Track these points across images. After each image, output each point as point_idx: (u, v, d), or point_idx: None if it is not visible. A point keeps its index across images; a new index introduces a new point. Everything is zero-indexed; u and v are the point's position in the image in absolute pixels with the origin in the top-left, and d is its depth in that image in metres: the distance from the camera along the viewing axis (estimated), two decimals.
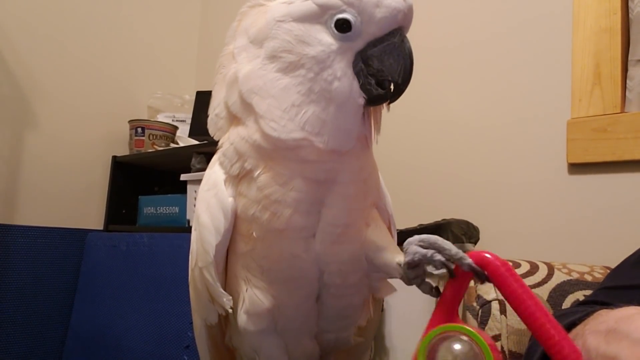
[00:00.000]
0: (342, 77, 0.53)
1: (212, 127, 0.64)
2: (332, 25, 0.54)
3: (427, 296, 1.40)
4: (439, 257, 0.52)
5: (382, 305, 0.76)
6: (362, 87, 0.54)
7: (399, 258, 0.58)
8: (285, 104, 0.54)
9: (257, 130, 0.55)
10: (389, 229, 0.68)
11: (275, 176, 0.55)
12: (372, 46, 0.55)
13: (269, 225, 0.56)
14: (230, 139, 0.60)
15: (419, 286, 0.55)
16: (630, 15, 1.28)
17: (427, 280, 0.55)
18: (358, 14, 0.53)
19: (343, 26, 0.54)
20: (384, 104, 0.58)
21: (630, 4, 1.28)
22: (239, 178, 0.58)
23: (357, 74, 0.54)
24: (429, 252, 0.53)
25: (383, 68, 0.54)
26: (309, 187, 0.55)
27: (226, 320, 0.66)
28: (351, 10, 0.53)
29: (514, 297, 0.47)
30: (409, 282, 0.56)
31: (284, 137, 0.54)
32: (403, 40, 0.55)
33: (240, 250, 0.60)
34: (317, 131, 0.54)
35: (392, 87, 0.55)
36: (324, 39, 0.54)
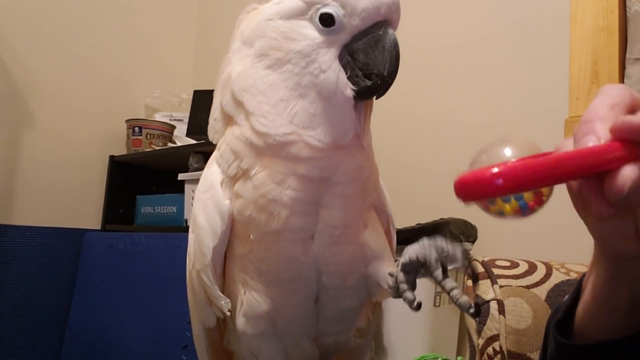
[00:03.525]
0: (327, 69, 0.54)
1: (211, 132, 0.65)
2: (317, 19, 0.55)
3: (425, 296, 1.40)
4: (435, 254, 0.53)
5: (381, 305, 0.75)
6: (350, 79, 0.54)
7: (391, 269, 0.58)
8: (273, 100, 0.55)
9: (249, 128, 0.56)
10: (388, 229, 0.68)
11: (271, 174, 0.55)
12: (358, 39, 0.55)
13: (266, 226, 0.56)
14: (226, 139, 0.60)
15: (403, 294, 0.54)
16: (627, 13, 1.28)
17: (413, 292, 0.55)
18: (341, 7, 0.54)
19: (327, 20, 0.54)
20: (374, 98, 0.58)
21: (627, 2, 1.28)
22: (235, 178, 0.58)
23: (344, 66, 0.55)
24: (428, 251, 0.53)
25: (369, 61, 0.54)
26: (305, 185, 0.55)
27: (225, 323, 0.66)
28: (334, 4, 0.54)
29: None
30: (395, 293, 0.56)
31: (273, 132, 0.54)
32: (387, 33, 0.54)
33: (238, 253, 0.60)
34: (306, 125, 0.54)
35: (379, 80, 0.55)
36: (310, 33, 0.55)
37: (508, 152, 0.35)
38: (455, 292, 0.53)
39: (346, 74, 0.54)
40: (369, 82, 0.54)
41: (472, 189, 0.34)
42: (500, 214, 0.35)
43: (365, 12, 0.53)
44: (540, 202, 0.35)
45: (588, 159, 0.34)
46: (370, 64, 0.54)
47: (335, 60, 0.54)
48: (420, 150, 1.61)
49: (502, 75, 1.48)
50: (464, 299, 0.52)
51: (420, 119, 1.62)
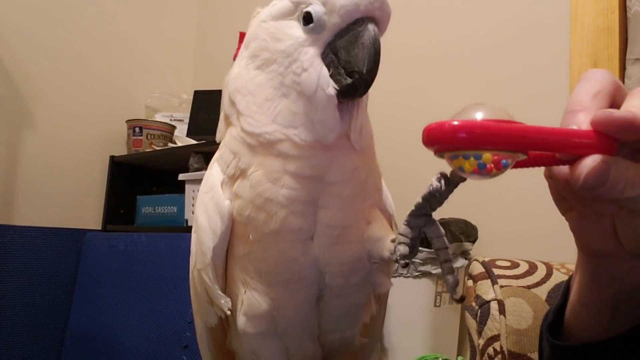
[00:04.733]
0: (308, 67, 0.54)
1: (217, 133, 0.66)
2: (301, 19, 0.55)
3: (426, 296, 1.40)
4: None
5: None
6: (333, 77, 0.54)
7: (393, 236, 0.57)
8: (260, 99, 0.56)
9: (240, 128, 0.57)
10: (391, 229, 0.67)
11: (267, 173, 0.55)
12: (340, 37, 0.54)
13: (264, 227, 0.56)
14: (225, 139, 0.61)
15: (397, 247, 0.53)
16: (627, 14, 1.28)
17: (405, 253, 0.53)
18: (323, 5, 0.54)
19: (308, 19, 0.54)
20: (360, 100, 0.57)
21: (627, 2, 1.29)
22: (234, 178, 0.58)
23: (328, 65, 0.54)
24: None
25: (350, 59, 0.54)
26: (298, 184, 0.55)
27: (227, 323, 0.66)
28: (317, 2, 0.54)
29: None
30: (395, 254, 0.54)
31: (257, 131, 0.55)
32: (367, 29, 0.53)
33: (238, 253, 0.60)
34: (288, 124, 0.54)
35: (359, 77, 0.54)
36: (295, 33, 0.55)
37: (479, 115, 0.36)
38: (446, 266, 0.52)
39: (330, 72, 0.54)
40: (350, 80, 0.54)
41: (433, 137, 0.36)
42: (461, 169, 0.37)
43: (344, 10, 0.53)
44: (499, 167, 0.36)
45: (550, 136, 0.36)
46: (351, 61, 0.53)
47: (317, 59, 0.54)
48: (420, 150, 1.61)
49: (502, 76, 1.48)
50: (454, 277, 0.52)
51: (420, 119, 1.62)
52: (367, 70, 0.53)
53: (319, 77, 0.53)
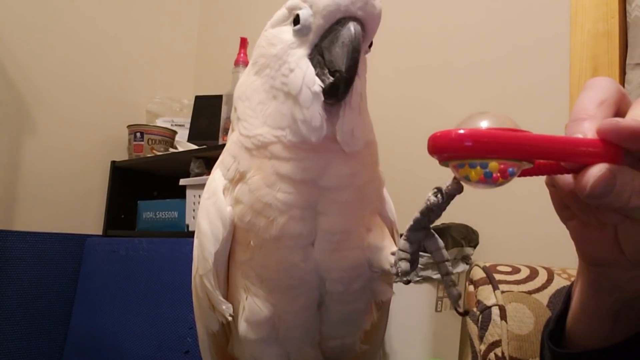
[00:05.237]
0: (295, 68, 0.55)
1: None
2: (292, 23, 0.57)
3: (427, 302, 1.40)
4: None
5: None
6: (319, 77, 0.54)
7: (394, 248, 0.58)
8: (254, 103, 0.58)
9: (238, 132, 0.59)
10: (392, 236, 0.67)
11: (265, 177, 0.56)
12: (324, 38, 0.55)
13: (265, 233, 0.56)
14: (227, 145, 0.62)
15: (397, 262, 0.53)
16: (627, 19, 1.28)
17: (407, 266, 0.54)
18: (310, 7, 0.55)
19: (298, 22, 0.56)
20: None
21: (627, 7, 1.29)
22: (235, 182, 0.58)
23: (315, 66, 0.55)
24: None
25: (331, 58, 0.54)
26: (294, 188, 0.55)
27: (229, 329, 0.66)
28: (305, 6, 0.55)
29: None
30: (396, 267, 0.54)
31: (251, 134, 0.56)
32: (346, 28, 0.53)
33: (239, 259, 0.60)
34: (277, 125, 0.55)
35: (339, 76, 0.54)
36: (286, 37, 0.57)
37: (485, 123, 0.36)
38: (447, 279, 0.53)
39: (316, 72, 0.54)
40: (331, 78, 0.54)
41: (438, 145, 0.36)
42: (467, 178, 0.37)
43: (326, 10, 0.53)
44: (505, 176, 0.36)
45: (556, 145, 0.36)
46: (333, 61, 0.54)
47: (303, 59, 0.55)
48: (421, 155, 1.61)
49: (502, 81, 1.48)
50: (455, 291, 0.52)
51: (420, 123, 1.63)
52: (345, 68, 0.52)
53: (304, 76, 0.54)
